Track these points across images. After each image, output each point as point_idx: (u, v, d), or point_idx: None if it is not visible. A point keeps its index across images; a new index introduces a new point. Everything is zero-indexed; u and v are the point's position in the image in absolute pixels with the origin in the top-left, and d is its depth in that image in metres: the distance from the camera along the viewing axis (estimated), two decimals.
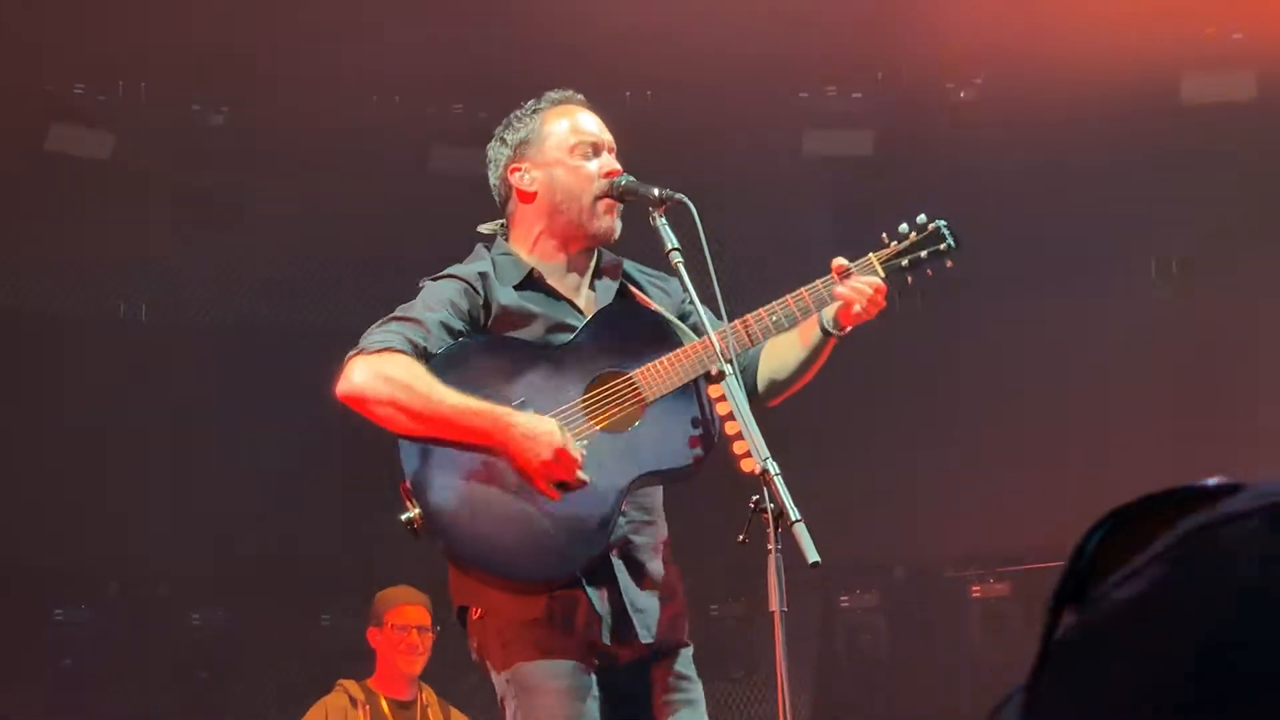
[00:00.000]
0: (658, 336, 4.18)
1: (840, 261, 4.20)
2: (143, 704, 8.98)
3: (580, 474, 3.98)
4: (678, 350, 4.10)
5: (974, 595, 9.35)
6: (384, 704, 7.15)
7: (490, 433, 3.97)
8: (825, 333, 4.22)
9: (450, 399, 3.97)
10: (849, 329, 4.22)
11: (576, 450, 3.99)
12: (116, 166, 8.94)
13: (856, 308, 4.11)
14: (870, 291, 4.12)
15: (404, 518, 4.01)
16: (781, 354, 4.32)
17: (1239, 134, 8.84)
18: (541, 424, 3.98)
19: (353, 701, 7.12)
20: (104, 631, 8.95)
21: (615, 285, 4.35)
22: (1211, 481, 0.93)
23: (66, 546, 8.79)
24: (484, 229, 4.40)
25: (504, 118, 4.47)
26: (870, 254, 4.25)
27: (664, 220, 4.11)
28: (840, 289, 4.13)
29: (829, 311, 4.20)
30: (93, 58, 8.74)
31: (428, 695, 7.27)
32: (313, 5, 8.41)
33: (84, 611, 8.92)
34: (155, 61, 8.86)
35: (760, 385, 4.34)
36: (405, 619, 7.19)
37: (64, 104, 8.75)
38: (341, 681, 7.26)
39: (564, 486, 3.98)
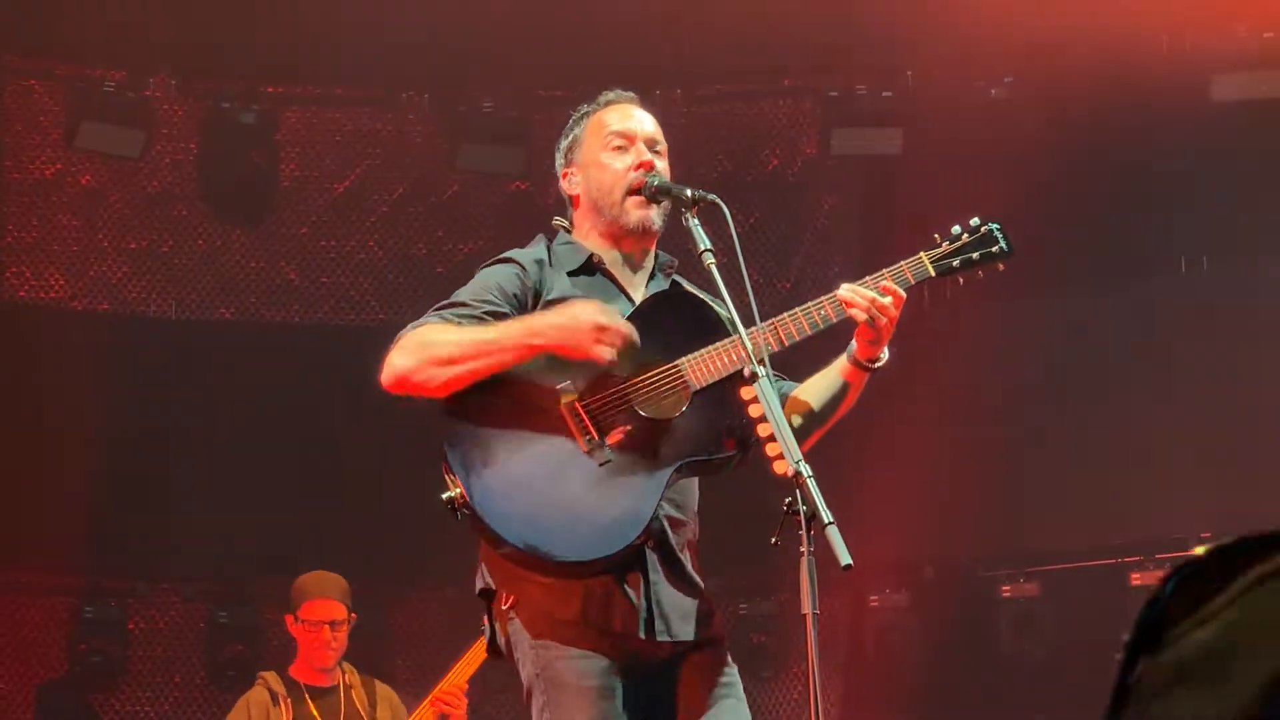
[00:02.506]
0: (706, 326, 4.15)
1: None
2: (171, 700, 9.01)
3: (630, 330, 3.94)
4: (725, 341, 4.07)
5: (1004, 595, 9.32)
6: (306, 695, 7.12)
7: (529, 338, 3.94)
8: (852, 364, 4.19)
9: (481, 329, 3.96)
10: (879, 359, 4.15)
11: (617, 316, 3.96)
12: (147, 164, 8.98)
13: (860, 315, 4.05)
14: (867, 302, 4.04)
15: (445, 496, 3.97)
16: (809, 392, 4.27)
17: (1270, 131, 8.82)
18: (575, 306, 3.97)
19: (274, 697, 7.07)
20: (134, 628, 8.98)
21: (669, 282, 4.34)
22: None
23: (96, 544, 8.81)
24: (556, 223, 4.39)
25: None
26: (921, 253, 4.23)
27: (696, 221, 4.09)
28: (845, 294, 4.07)
29: (853, 343, 4.16)
30: (124, 55, 8.78)
31: (350, 676, 7.20)
32: (343, 2, 8.43)
33: (114, 609, 8.93)
34: (186, 59, 8.90)
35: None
36: (315, 614, 7.11)
37: (95, 101, 8.77)
38: (262, 674, 7.21)
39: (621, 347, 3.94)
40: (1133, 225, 9.26)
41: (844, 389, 4.23)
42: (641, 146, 4.28)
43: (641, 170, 4.23)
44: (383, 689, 7.31)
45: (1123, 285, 9.38)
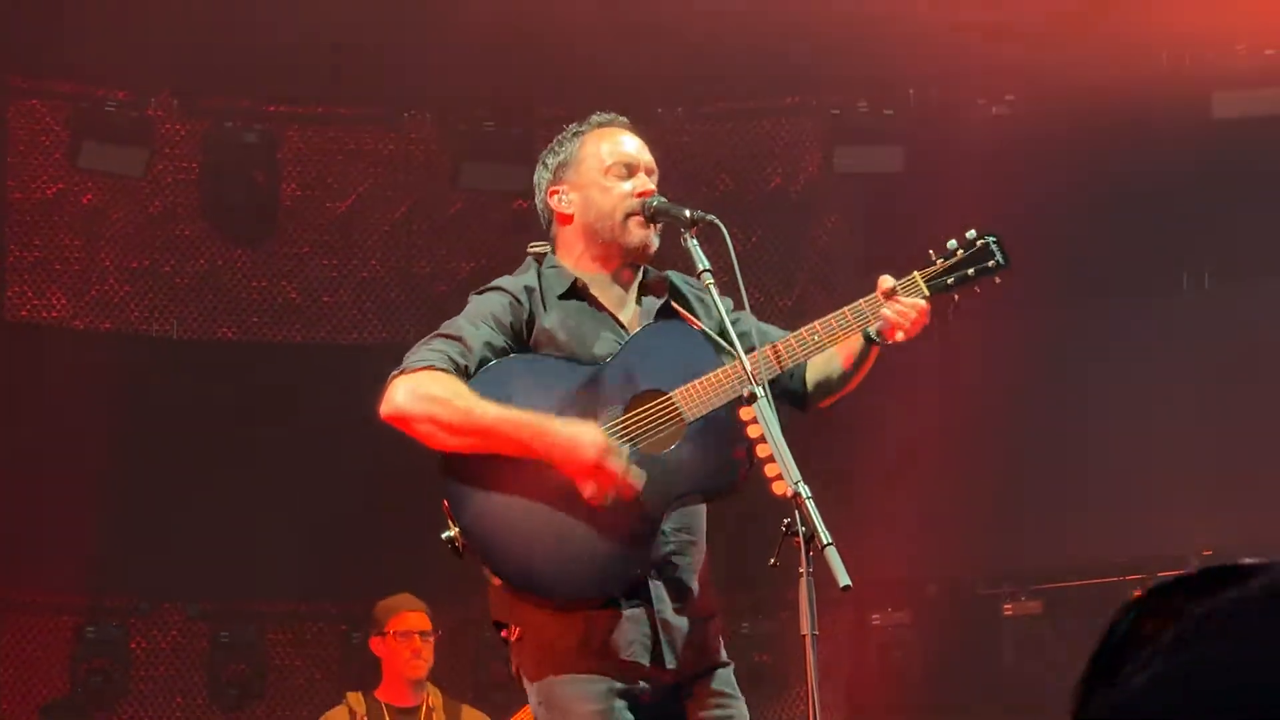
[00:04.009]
0: (699, 355, 4.16)
1: (886, 282, 4.16)
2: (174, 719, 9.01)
3: (629, 478, 3.94)
4: (717, 370, 4.07)
5: (1006, 613, 9.31)
6: (386, 713, 7.20)
7: (531, 441, 3.95)
8: (869, 341, 4.19)
9: (490, 411, 3.96)
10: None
11: (621, 457, 3.96)
12: (149, 183, 8.99)
13: (899, 335, 4.10)
14: (915, 315, 4.10)
15: (445, 536, 4.00)
16: (827, 362, 4.29)
17: (1270, 148, 8.83)
18: (584, 429, 3.97)
19: (352, 715, 7.16)
20: (135, 648, 8.96)
21: (660, 302, 4.33)
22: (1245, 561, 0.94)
23: (97, 564, 8.80)
24: (534, 248, 4.37)
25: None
26: (915, 272, 4.22)
27: (695, 241, 4.10)
28: (886, 312, 4.11)
29: (874, 324, 4.17)
30: (126, 74, 8.79)
31: (434, 699, 7.29)
32: (344, 22, 8.43)
33: (116, 629, 8.91)
34: (188, 78, 8.91)
35: (809, 387, 4.32)
36: (407, 625, 7.26)
37: (97, 120, 8.79)
38: (348, 694, 7.33)
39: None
40: (1134, 242, 9.25)
41: (859, 363, 4.26)
42: (643, 176, 4.28)
43: (643, 198, 4.24)
44: (469, 712, 7.37)
45: (1125, 302, 9.37)
